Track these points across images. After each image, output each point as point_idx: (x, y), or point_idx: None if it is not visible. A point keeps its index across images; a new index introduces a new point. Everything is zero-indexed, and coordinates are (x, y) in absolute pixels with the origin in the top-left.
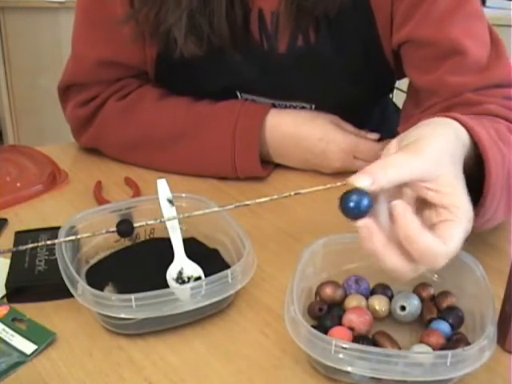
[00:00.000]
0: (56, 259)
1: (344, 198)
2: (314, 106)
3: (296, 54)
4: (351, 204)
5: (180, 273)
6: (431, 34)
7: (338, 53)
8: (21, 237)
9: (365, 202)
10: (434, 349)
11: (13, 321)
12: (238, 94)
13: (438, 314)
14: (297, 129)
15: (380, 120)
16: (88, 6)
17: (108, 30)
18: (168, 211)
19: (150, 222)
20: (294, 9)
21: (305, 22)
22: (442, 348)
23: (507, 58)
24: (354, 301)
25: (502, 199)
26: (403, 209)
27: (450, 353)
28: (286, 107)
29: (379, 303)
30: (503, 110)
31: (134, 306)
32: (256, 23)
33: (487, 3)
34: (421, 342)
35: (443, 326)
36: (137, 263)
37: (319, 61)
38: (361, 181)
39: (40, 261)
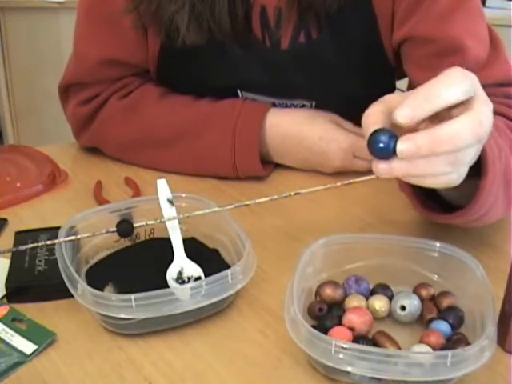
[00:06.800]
0: (56, 259)
1: (372, 139)
2: (314, 104)
3: (298, 51)
4: (380, 145)
5: (180, 273)
6: (432, 32)
7: (339, 50)
8: (21, 237)
9: (392, 142)
10: (434, 349)
11: (13, 321)
12: (239, 92)
13: (438, 314)
14: (297, 128)
15: None
16: (90, 4)
17: (110, 29)
18: (168, 211)
19: (150, 222)
20: (296, 4)
21: (307, 18)
22: (442, 348)
23: (506, 57)
24: (354, 301)
25: (499, 193)
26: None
27: (450, 353)
28: (286, 106)
29: (379, 303)
30: (503, 107)
31: (133, 306)
32: (258, 20)
33: (487, 3)
34: (421, 342)
35: (443, 326)
36: (137, 263)
37: (320, 57)
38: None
39: (40, 261)
